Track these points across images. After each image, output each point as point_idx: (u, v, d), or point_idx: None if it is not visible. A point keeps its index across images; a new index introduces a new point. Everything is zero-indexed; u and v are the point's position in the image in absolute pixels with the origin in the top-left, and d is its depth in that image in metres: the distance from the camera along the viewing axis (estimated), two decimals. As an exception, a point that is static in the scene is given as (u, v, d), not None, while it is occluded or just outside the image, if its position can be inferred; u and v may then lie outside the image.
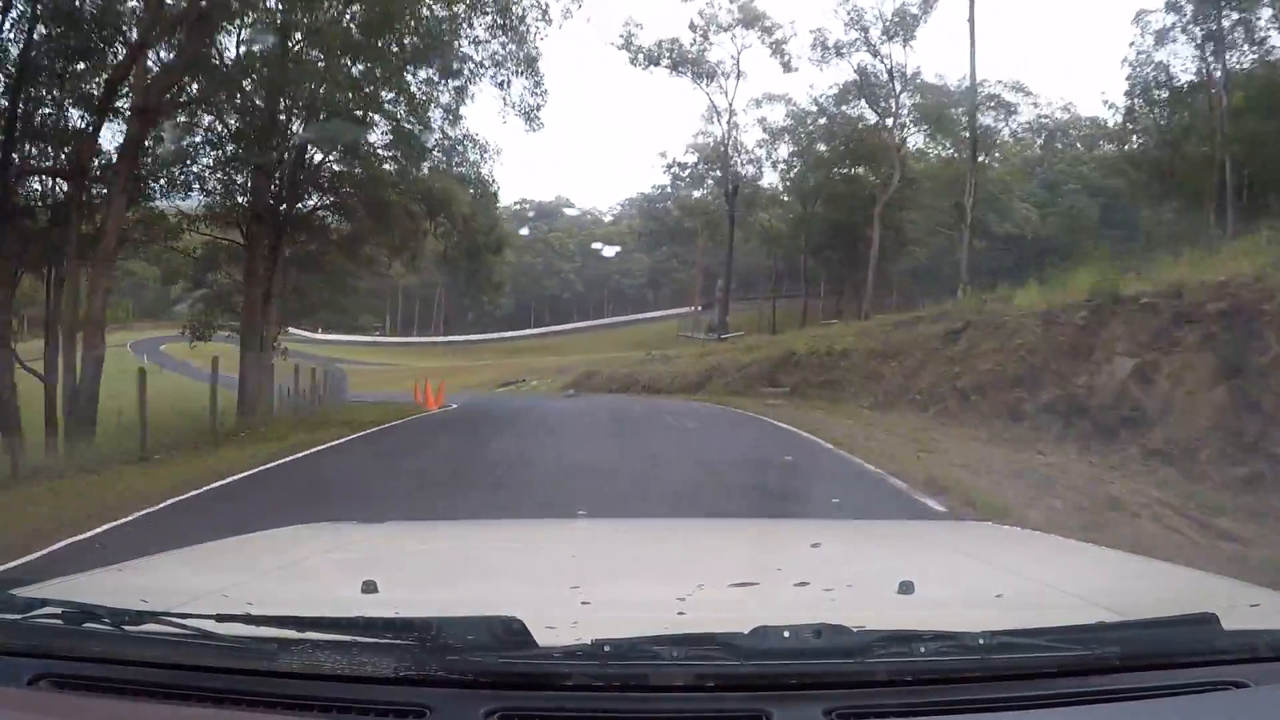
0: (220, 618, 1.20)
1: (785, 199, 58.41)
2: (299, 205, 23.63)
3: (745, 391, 27.10)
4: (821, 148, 51.42)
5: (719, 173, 57.11)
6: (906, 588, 1.47)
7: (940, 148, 50.60)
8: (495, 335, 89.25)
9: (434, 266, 70.92)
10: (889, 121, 48.08)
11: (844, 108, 49.69)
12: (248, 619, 1.20)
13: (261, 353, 20.85)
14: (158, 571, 1.91)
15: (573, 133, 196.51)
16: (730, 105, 55.13)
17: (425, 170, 23.55)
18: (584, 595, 1.53)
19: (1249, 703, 1.17)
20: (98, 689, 1.20)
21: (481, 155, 23.82)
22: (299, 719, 1.15)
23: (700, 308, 70.42)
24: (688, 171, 63.14)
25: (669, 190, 68.32)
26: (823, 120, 50.97)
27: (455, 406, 25.95)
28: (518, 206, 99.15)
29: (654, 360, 41.09)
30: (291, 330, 70.58)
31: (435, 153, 23.47)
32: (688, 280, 77.72)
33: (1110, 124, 46.82)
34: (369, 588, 1.48)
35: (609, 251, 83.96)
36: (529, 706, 1.13)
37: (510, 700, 1.13)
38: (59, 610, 1.25)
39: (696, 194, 63.83)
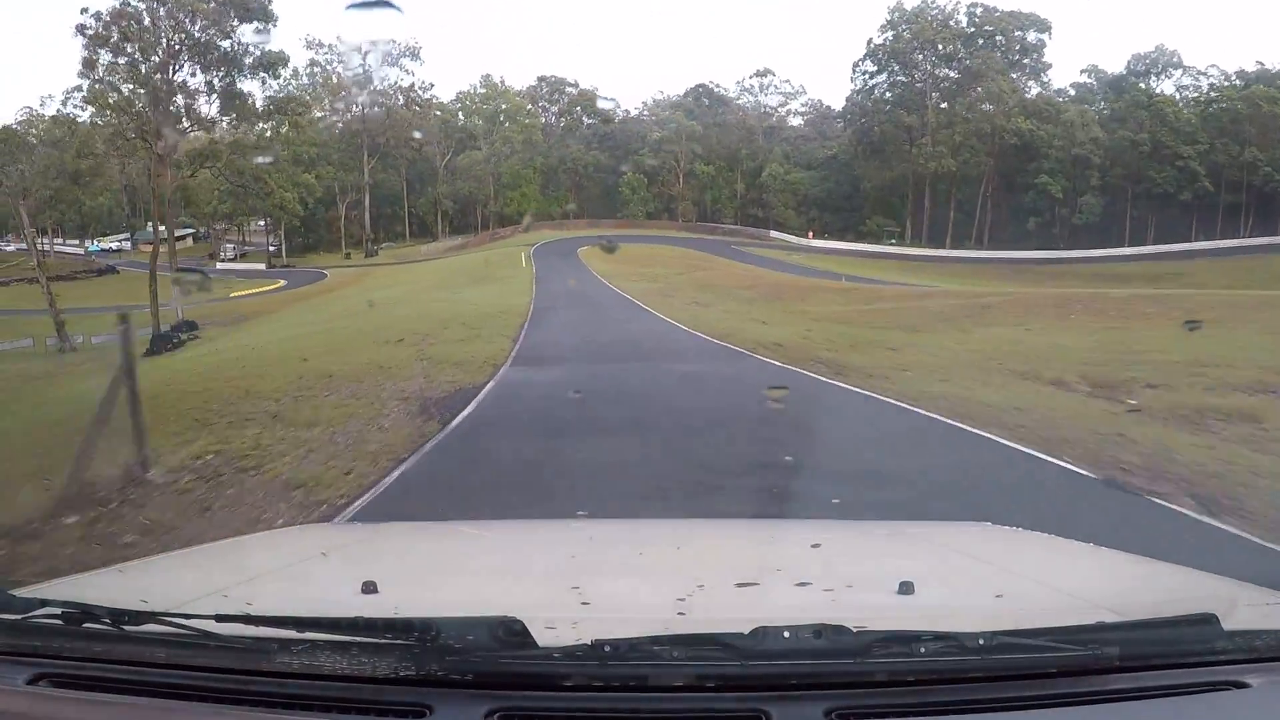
0: (220, 618, 1.21)
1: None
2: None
3: None
4: None
5: None
6: (906, 588, 1.47)
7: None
8: (1073, 254, 64.44)
9: (979, 148, 72.04)
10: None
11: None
12: (247, 619, 1.20)
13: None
14: (157, 572, 1.92)
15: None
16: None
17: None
18: (584, 595, 1.53)
19: (1249, 703, 1.17)
20: (98, 689, 1.20)
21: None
22: (299, 719, 1.15)
23: None
24: None
25: None
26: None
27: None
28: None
29: None
30: (774, 233, 78.91)
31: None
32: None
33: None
34: (369, 588, 1.48)
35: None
36: (529, 707, 1.13)
37: (510, 700, 1.13)
38: (59, 611, 1.25)
39: None
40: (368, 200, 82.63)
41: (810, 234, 77.10)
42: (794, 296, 34.44)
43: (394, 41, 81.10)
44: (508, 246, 63.40)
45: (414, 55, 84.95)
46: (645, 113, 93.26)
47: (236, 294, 53.96)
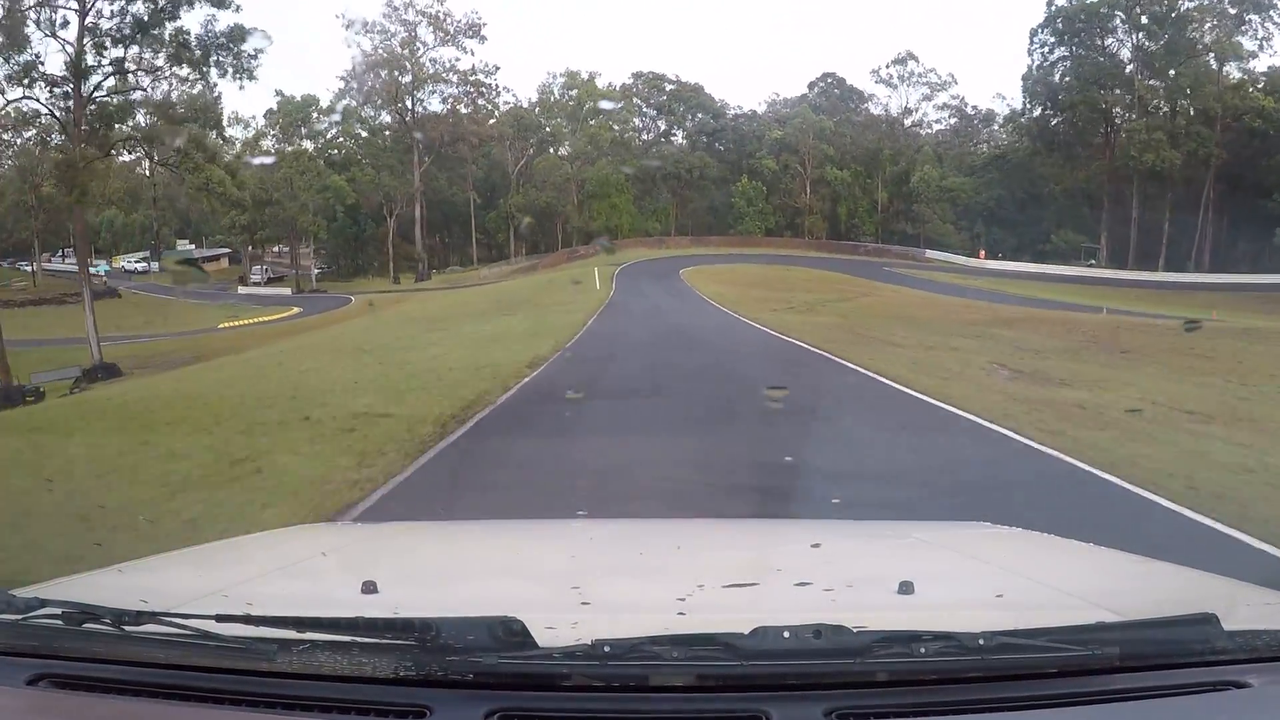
0: (220, 618, 1.21)
1: None
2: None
3: None
4: None
5: None
6: (906, 588, 1.47)
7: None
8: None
9: (1207, 136, 51.24)
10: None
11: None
12: (247, 619, 1.20)
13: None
14: (158, 572, 1.91)
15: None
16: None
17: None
18: (584, 595, 1.53)
19: (1249, 703, 1.17)
20: (98, 689, 1.20)
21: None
22: (299, 719, 1.15)
23: None
24: None
25: None
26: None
27: None
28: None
29: None
30: (930, 253, 65.27)
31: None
32: None
33: None
34: (369, 588, 1.48)
35: None
36: (529, 707, 1.13)
37: (510, 700, 1.13)
38: (59, 611, 1.26)
39: None
40: (419, 211, 69.09)
41: (981, 253, 62.74)
42: (1072, 347, 20.03)
43: (447, 11, 67.43)
44: (589, 266, 49.89)
45: (475, 32, 68.42)
46: (763, 109, 76.44)
47: (227, 325, 46.69)
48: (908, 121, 74.64)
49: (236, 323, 47.14)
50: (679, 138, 77.01)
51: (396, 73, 68.56)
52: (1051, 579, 1.74)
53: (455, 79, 70.37)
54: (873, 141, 71.26)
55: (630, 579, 1.86)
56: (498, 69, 75.83)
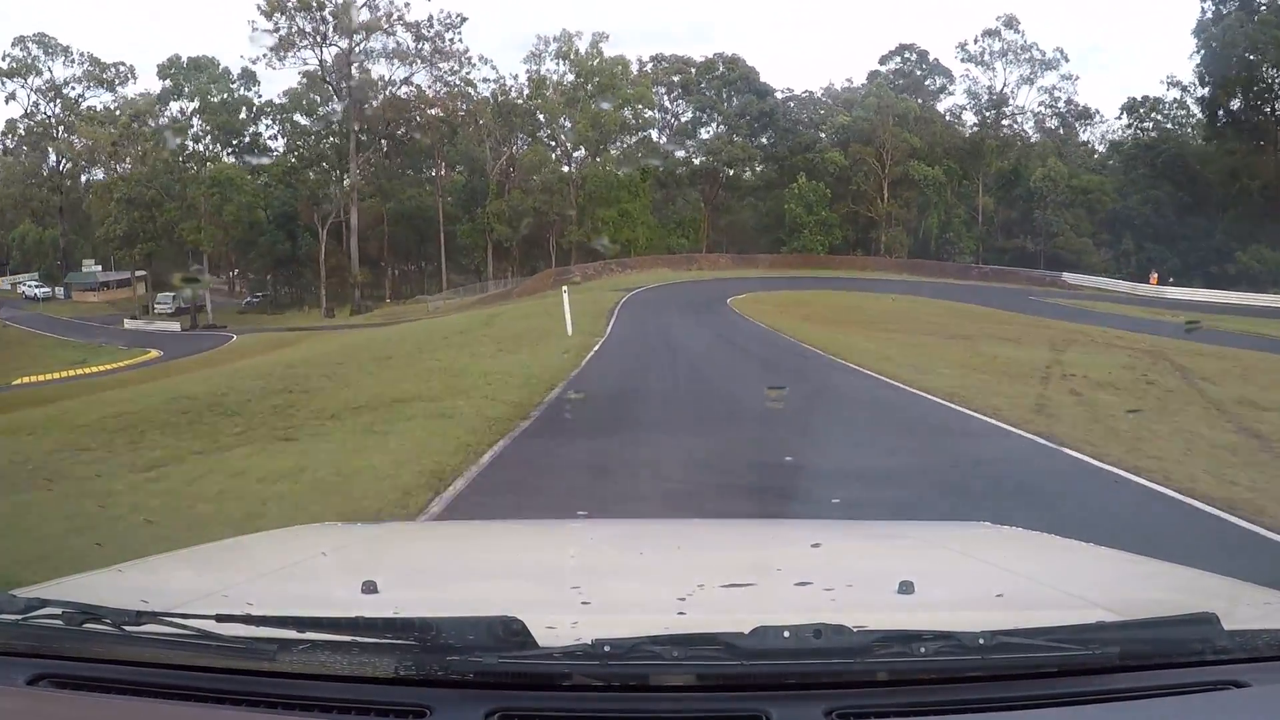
0: (220, 618, 1.21)
1: None
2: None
3: None
4: None
5: None
6: (906, 588, 1.47)
7: None
8: None
9: None
10: None
11: None
12: (248, 619, 1.20)
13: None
14: (158, 572, 1.91)
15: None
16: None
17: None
18: (584, 595, 1.54)
19: (1249, 702, 1.17)
20: (98, 689, 1.20)
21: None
22: (299, 719, 1.15)
23: None
24: None
25: None
26: None
27: None
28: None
29: None
30: (1068, 276, 44.48)
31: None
32: None
33: None
34: (369, 588, 1.48)
35: None
36: (529, 707, 1.13)
37: (510, 700, 1.13)
38: (59, 611, 1.26)
39: None
40: (354, 219, 53.77)
41: (1153, 277, 46.90)
42: None
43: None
44: (582, 292, 35.21)
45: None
46: (823, 94, 59.69)
47: (24, 381, 34.70)
48: (1008, 109, 56.84)
49: (64, 374, 35.80)
50: (712, 127, 58.54)
51: (317, 10, 52.36)
52: (1051, 579, 1.74)
53: (402, 30, 53.92)
54: (966, 131, 53.19)
55: (630, 579, 1.86)
56: (463, 20, 56.11)
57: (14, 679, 1.21)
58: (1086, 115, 59.58)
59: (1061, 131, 59.02)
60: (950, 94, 59.55)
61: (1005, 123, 58.16)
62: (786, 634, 1.12)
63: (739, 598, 1.56)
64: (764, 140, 58.26)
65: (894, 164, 53.68)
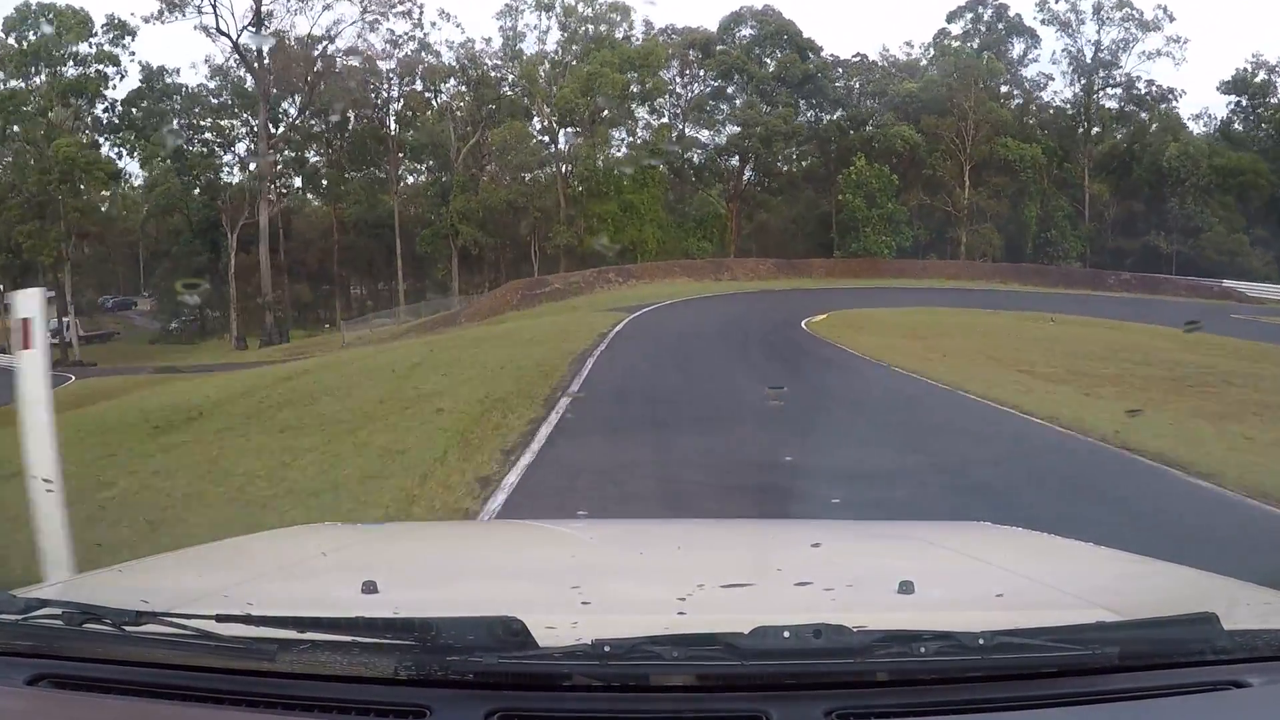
0: (220, 618, 1.21)
1: None
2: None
3: None
4: None
5: None
6: (906, 588, 1.47)
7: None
8: None
9: None
10: None
11: None
12: (248, 619, 1.20)
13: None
14: (158, 572, 1.92)
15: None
16: None
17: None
18: (584, 595, 1.53)
19: (1249, 703, 1.17)
20: (98, 689, 1.20)
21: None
22: (299, 719, 1.15)
23: None
24: None
25: None
26: None
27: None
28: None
29: None
30: (1228, 284, 32.76)
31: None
32: None
33: None
34: (369, 588, 1.48)
35: None
36: (529, 707, 1.13)
37: (510, 700, 1.13)
38: (59, 611, 1.26)
39: None
40: (264, 221, 41.62)
41: None
42: None
43: None
44: (560, 315, 27.94)
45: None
46: (881, 59, 47.19)
47: None
48: (1104, 76, 44.18)
49: None
50: (740, 99, 45.63)
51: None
52: (1051, 579, 1.75)
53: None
54: (1055, 106, 40.27)
55: (630, 579, 1.86)
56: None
57: (14, 679, 1.21)
58: (1165, 97, 46.96)
59: (1162, 108, 46.95)
60: (1034, 60, 47.12)
61: (1112, 91, 45.95)
62: (786, 634, 1.12)
63: (739, 598, 1.56)
64: (808, 114, 45.70)
65: (978, 142, 41.26)
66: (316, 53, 43.28)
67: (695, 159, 46.73)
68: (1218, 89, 47.93)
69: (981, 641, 1.13)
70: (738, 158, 46.25)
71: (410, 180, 50.57)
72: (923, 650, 1.13)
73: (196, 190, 45.08)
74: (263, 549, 2.25)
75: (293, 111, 45.39)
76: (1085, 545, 2.12)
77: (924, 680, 1.15)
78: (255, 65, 42.82)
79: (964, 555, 2.05)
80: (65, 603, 1.28)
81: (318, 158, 49.02)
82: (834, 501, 6.35)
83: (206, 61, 48.41)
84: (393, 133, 47.37)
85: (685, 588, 1.52)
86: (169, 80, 45.30)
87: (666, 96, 45.88)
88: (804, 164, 46.44)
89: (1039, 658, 1.15)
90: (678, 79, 47.19)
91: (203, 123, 45.66)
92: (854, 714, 1.12)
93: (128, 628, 1.22)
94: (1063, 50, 46.76)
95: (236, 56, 43.03)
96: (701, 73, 46.17)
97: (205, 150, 45.47)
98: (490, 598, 1.63)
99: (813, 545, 2.12)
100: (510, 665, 1.12)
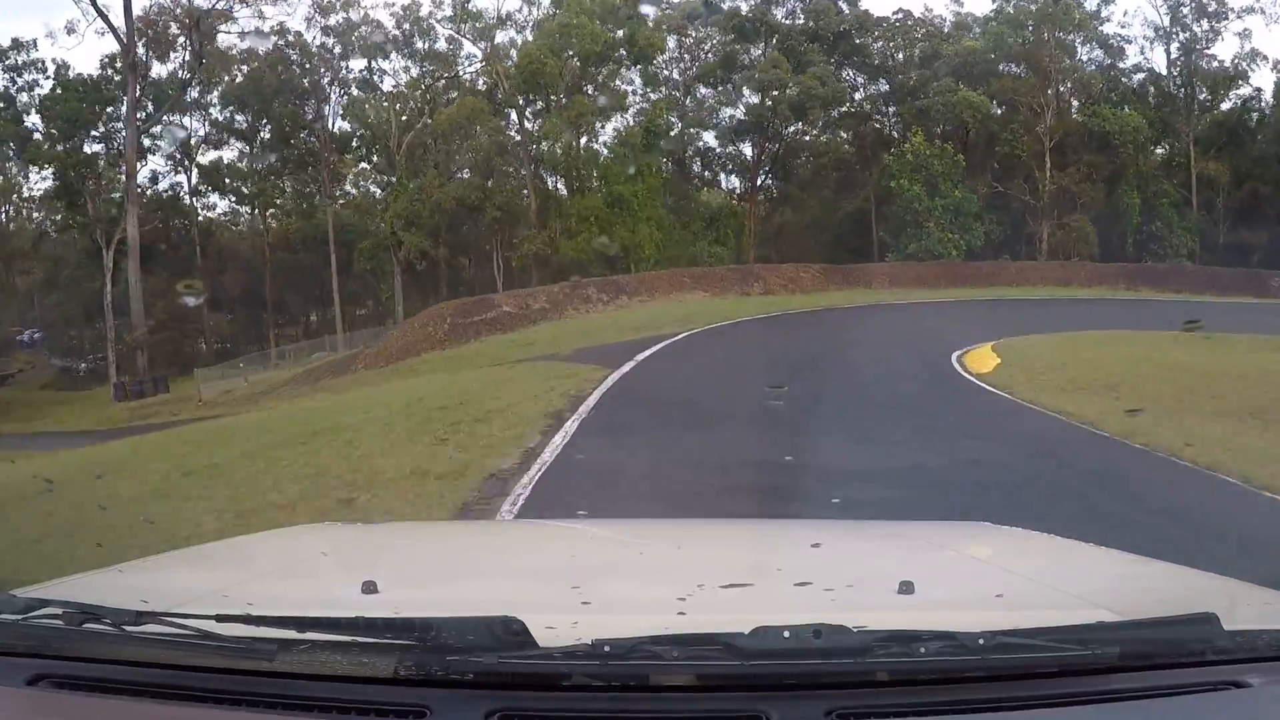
0: (220, 618, 1.21)
1: None
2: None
3: None
4: None
5: None
6: (906, 588, 1.47)
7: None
8: None
9: None
10: None
11: None
12: (248, 619, 1.20)
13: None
14: (158, 572, 1.92)
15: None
16: None
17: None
18: (584, 595, 1.53)
19: (1249, 703, 1.17)
20: (98, 689, 1.20)
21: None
22: (299, 719, 1.15)
23: None
24: None
25: None
26: None
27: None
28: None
29: None
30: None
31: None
32: None
33: None
34: (369, 588, 1.48)
35: None
36: (529, 707, 1.13)
37: (510, 700, 1.13)
38: (59, 611, 1.26)
39: None
40: (133, 230, 32.02)
41: None
42: None
43: None
44: (471, 372, 18.34)
45: None
46: (924, 21, 37.93)
47: None
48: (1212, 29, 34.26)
49: None
50: (755, 52, 35.12)
51: None
52: (1051, 579, 1.74)
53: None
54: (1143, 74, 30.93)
55: (630, 579, 1.86)
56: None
57: (14, 679, 1.21)
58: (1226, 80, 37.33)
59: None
60: (1108, 19, 37.17)
61: (1211, 53, 35.96)
62: (786, 634, 1.12)
63: (739, 598, 1.56)
64: (846, 74, 36.09)
65: (1063, 111, 31.58)
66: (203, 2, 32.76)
67: (703, 143, 36.65)
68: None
69: (982, 642, 1.13)
70: (751, 148, 36.77)
71: (363, 187, 41.61)
72: (923, 650, 1.13)
73: (57, 199, 35.07)
74: (263, 549, 2.25)
75: (215, 100, 35.06)
76: (1085, 545, 2.11)
77: (924, 680, 1.15)
78: (112, 21, 32.61)
79: (964, 555, 2.05)
80: (65, 603, 1.28)
81: (235, 154, 38.31)
82: (834, 502, 6.32)
83: (68, 29, 39.26)
84: (326, 120, 38.20)
85: (685, 588, 1.52)
86: (23, 57, 35.49)
87: (664, 59, 35.38)
88: (844, 146, 36.52)
89: (1039, 658, 1.15)
90: (675, 73, 38.06)
91: (54, 106, 35.22)
92: (854, 714, 1.12)
93: (128, 628, 1.22)
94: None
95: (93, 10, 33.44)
96: (710, 31, 36.27)
97: (66, 144, 34.00)
98: (490, 598, 1.63)
99: (813, 545, 2.12)
100: (510, 665, 1.12)
